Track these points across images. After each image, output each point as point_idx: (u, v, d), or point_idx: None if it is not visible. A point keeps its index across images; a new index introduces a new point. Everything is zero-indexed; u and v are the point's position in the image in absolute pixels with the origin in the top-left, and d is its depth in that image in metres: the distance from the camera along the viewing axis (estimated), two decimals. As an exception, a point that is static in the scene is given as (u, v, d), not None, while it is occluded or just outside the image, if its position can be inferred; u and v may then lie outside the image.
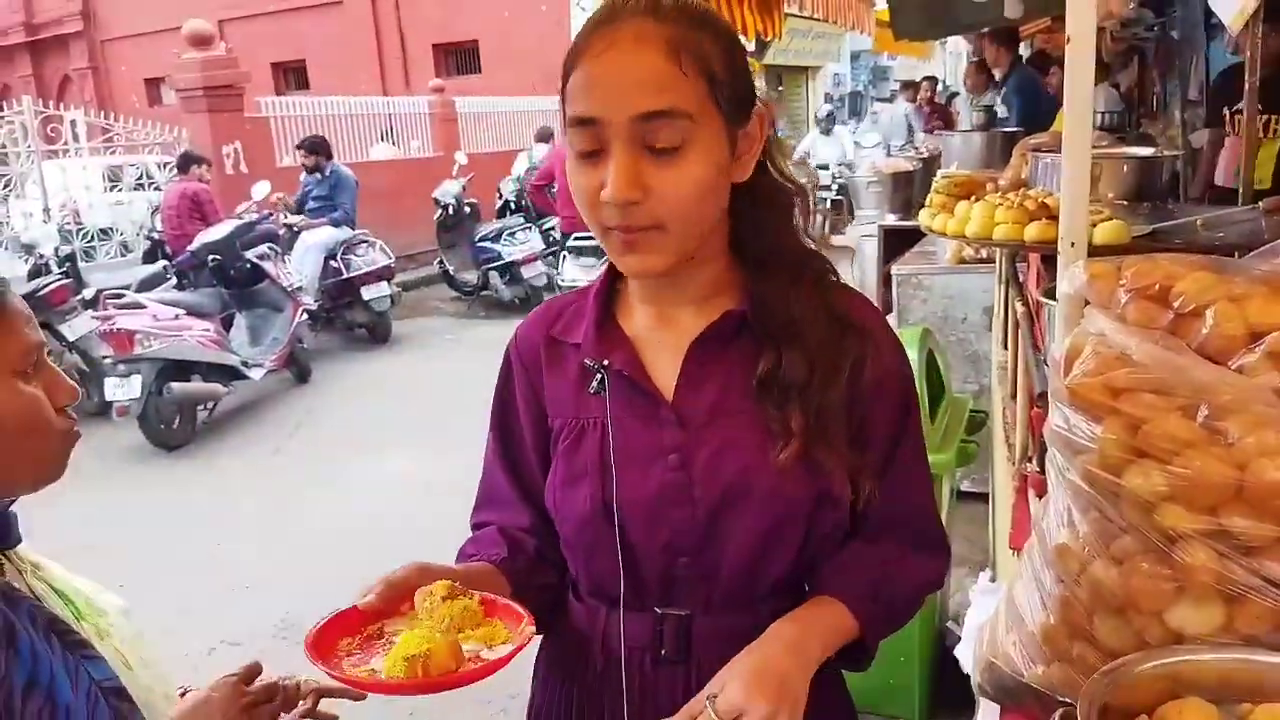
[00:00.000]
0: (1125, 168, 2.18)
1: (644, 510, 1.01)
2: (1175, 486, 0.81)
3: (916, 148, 7.59)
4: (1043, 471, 1.23)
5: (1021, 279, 2.63)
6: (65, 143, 10.50)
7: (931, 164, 5.62)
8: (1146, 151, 2.37)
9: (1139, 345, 0.89)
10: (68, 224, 9.04)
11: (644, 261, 0.96)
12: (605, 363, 1.03)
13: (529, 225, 9.39)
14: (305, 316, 7.15)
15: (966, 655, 1.57)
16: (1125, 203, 2.19)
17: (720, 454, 1.01)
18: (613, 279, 1.10)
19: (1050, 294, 1.48)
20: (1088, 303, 1.01)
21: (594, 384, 1.02)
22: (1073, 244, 1.11)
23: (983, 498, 3.44)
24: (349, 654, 0.94)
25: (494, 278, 9.05)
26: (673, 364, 1.04)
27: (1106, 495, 0.87)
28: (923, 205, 5.34)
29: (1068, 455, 0.92)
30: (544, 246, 9.14)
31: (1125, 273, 0.97)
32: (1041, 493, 1.26)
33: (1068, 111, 1.12)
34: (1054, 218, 1.89)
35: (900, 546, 1.08)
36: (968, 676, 1.59)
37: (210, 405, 6.15)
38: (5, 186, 9.84)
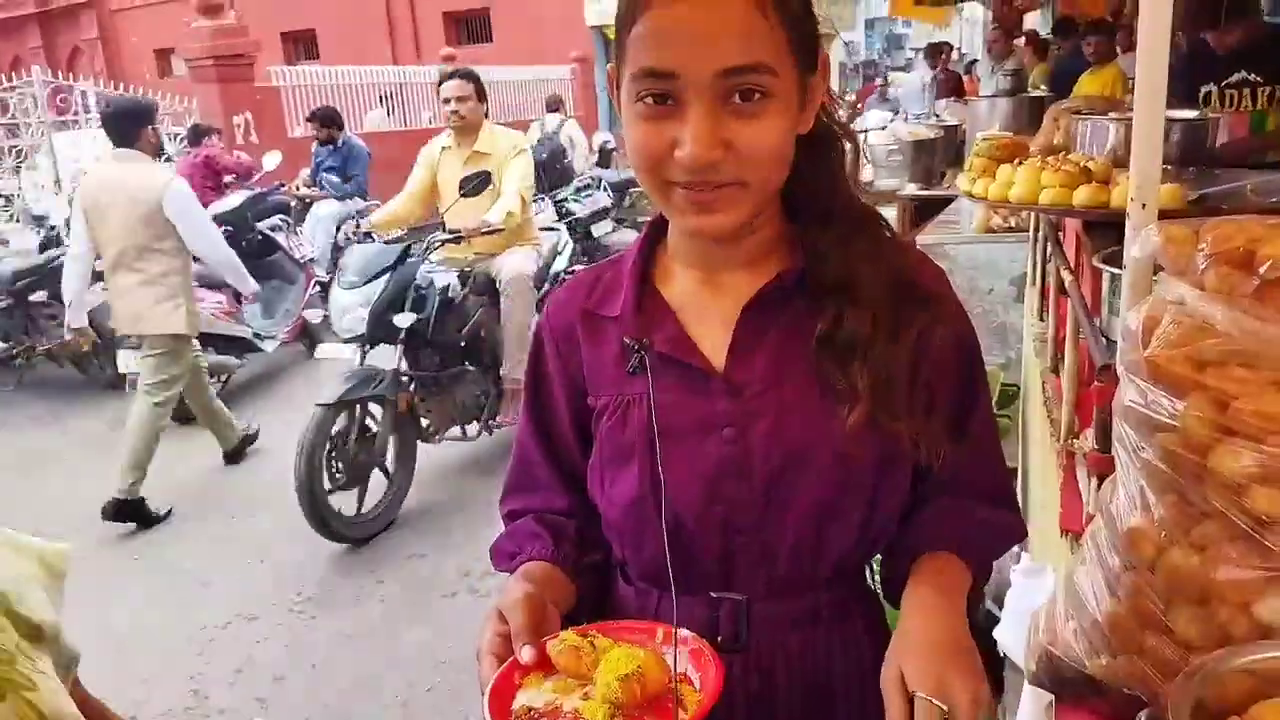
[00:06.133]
0: (1171, 131, 2.08)
1: (698, 489, 0.95)
2: (1269, 468, 0.75)
3: (937, 115, 7.44)
4: (1103, 450, 1.16)
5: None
6: (75, 114, 10.44)
7: (953, 132, 5.50)
8: (1191, 114, 2.28)
9: (1225, 314, 0.82)
10: (79, 195, 8.98)
11: (716, 220, 0.89)
12: (645, 341, 0.96)
13: (540, 197, 9.26)
14: (318, 288, 7.10)
15: (1006, 637, 1.52)
16: (1168, 167, 2.11)
17: (779, 422, 0.95)
18: (650, 244, 1.03)
19: (1109, 260, 1.41)
20: (1158, 269, 0.95)
21: (632, 364, 0.96)
22: (1144, 205, 1.04)
23: (1009, 472, 3.37)
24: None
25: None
26: (723, 331, 0.98)
27: (1189, 477, 0.81)
28: (943, 175, 5.19)
29: (1144, 433, 0.85)
30: (556, 218, 9.02)
31: (1205, 236, 0.90)
32: (1099, 471, 1.20)
33: (1141, 64, 1.05)
34: (1099, 182, 1.83)
35: (982, 504, 1.05)
36: (1004, 657, 1.54)
37: (224, 377, 6.12)
38: (17, 158, 9.81)
